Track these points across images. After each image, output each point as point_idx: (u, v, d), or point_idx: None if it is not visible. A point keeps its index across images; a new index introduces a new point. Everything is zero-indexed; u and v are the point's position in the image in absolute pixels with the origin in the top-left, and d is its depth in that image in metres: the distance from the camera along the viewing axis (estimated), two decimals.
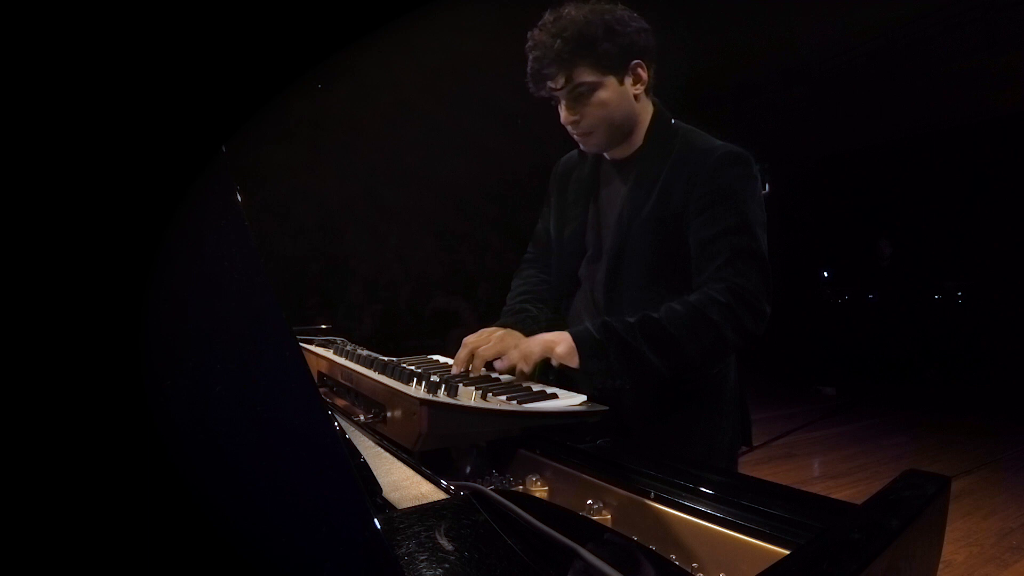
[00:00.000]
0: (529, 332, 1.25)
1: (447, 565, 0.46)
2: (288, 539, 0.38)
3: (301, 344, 1.39)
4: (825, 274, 8.82)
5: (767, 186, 7.38)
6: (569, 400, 1.04)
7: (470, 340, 1.20)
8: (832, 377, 7.20)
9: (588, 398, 1.06)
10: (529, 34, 1.22)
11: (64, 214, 0.37)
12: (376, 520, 0.41)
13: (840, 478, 4.04)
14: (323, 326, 1.64)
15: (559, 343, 1.12)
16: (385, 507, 0.59)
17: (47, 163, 0.37)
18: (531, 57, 1.21)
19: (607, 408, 1.02)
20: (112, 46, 0.39)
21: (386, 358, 1.16)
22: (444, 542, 0.48)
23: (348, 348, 1.28)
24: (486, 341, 1.19)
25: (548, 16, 1.21)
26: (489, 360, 1.17)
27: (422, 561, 0.45)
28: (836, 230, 8.36)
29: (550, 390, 1.07)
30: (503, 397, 1.00)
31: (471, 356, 1.17)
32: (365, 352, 1.20)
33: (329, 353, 1.28)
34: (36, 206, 0.37)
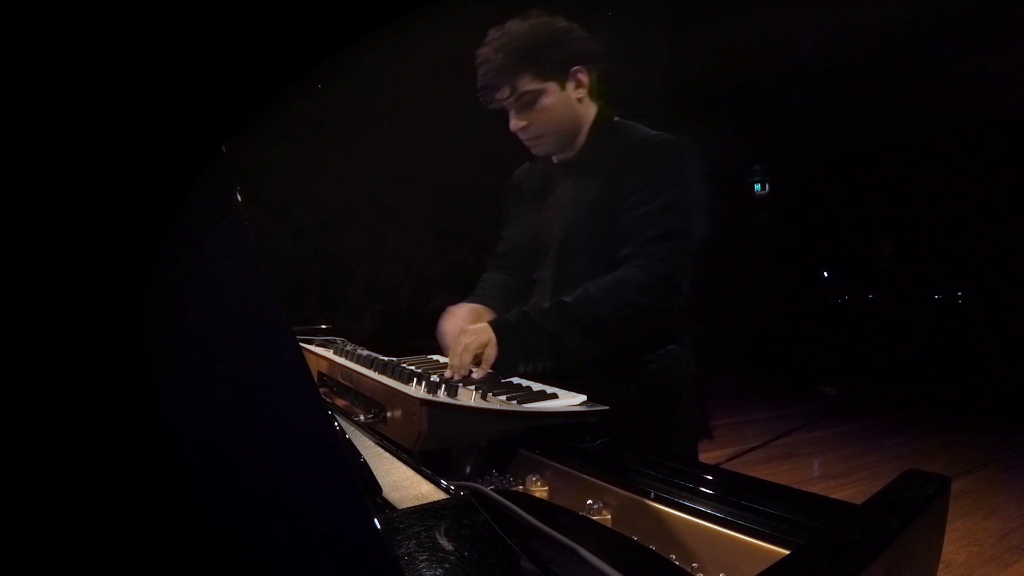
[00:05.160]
0: None
1: (447, 565, 0.46)
2: (288, 539, 0.38)
3: (301, 344, 1.39)
4: (825, 274, 8.81)
5: (767, 186, 7.37)
6: (569, 400, 1.04)
7: (471, 344, 1.18)
8: (832, 377, 7.19)
9: (588, 398, 1.06)
10: (477, 51, 1.29)
11: (65, 214, 0.37)
12: (376, 520, 0.41)
13: (840, 478, 4.04)
14: (323, 326, 1.64)
15: (480, 333, 1.14)
16: (385, 507, 0.59)
17: (48, 163, 0.37)
18: (479, 72, 1.29)
19: (607, 408, 1.02)
20: (113, 46, 0.39)
21: (386, 358, 1.16)
22: (444, 542, 0.48)
23: (348, 348, 1.28)
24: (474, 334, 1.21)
25: (493, 33, 1.28)
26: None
27: (422, 561, 0.45)
28: (836, 230, 8.34)
29: (550, 390, 1.07)
30: (503, 397, 1.00)
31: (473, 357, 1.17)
32: (365, 352, 1.20)
33: (329, 353, 1.28)
34: (37, 206, 0.37)
